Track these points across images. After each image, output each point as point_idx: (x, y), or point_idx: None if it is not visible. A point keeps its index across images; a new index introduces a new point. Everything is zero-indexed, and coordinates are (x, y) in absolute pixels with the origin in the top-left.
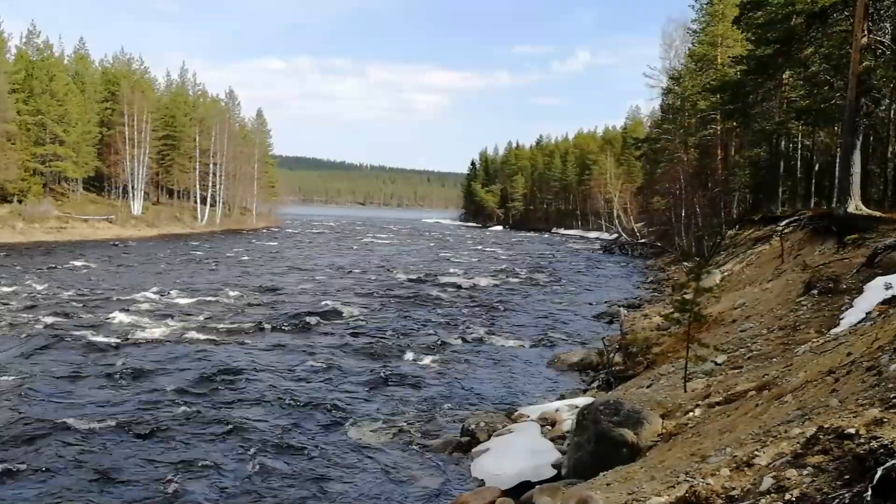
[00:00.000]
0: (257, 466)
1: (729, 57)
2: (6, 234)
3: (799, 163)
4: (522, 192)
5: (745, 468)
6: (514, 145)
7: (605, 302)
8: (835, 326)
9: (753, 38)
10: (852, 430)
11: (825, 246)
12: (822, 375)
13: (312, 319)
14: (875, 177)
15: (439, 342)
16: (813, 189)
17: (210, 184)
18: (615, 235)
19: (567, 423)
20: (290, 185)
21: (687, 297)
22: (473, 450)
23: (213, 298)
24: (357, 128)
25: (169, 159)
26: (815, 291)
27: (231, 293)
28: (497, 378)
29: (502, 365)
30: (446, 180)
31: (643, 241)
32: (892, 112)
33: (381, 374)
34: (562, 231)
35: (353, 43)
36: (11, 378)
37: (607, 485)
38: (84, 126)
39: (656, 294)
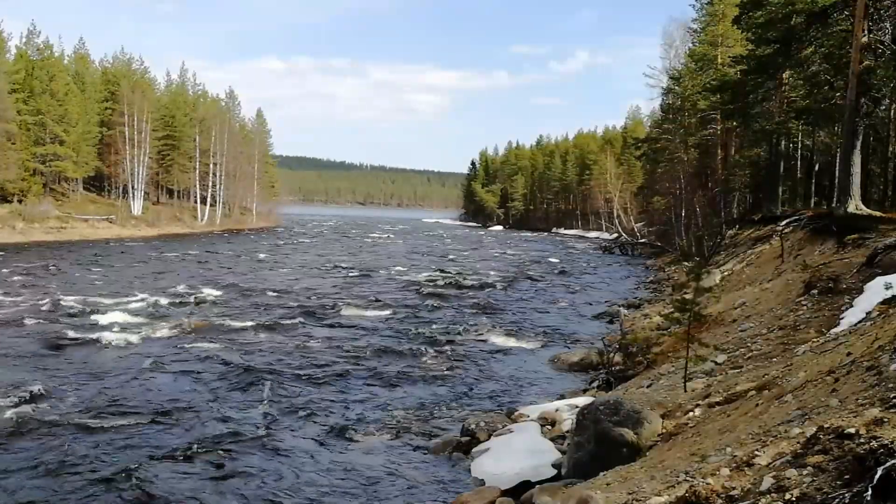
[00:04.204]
0: (256, 467)
1: (729, 57)
2: (6, 234)
3: (799, 163)
4: (522, 192)
5: (745, 468)
6: (514, 145)
7: (605, 302)
8: (835, 326)
9: (753, 37)
10: (852, 430)
11: (825, 246)
12: (822, 375)
13: (311, 319)
14: (875, 177)
15: (439, 342)
16: (813, 189)
17: (210, 184)
18: (615, 235)
19: (567, 422)
20: (290, 185)
21: (687, 296)
22: (473, 450)
23: (212, 298)
24: (357, 128)
25: (169, 159)
26: (815, 291)
27: (229, 292)
28: (497, 378)
29: (502, 365)
30: (446, 180)
31: (643, 240)
32: (892, 112)
33: (381, 374)
34: (562, 231)
35: (353, 43)
36: (9, 378)
37: (607, 484)
38: (84, 126)
39: (656, 294)
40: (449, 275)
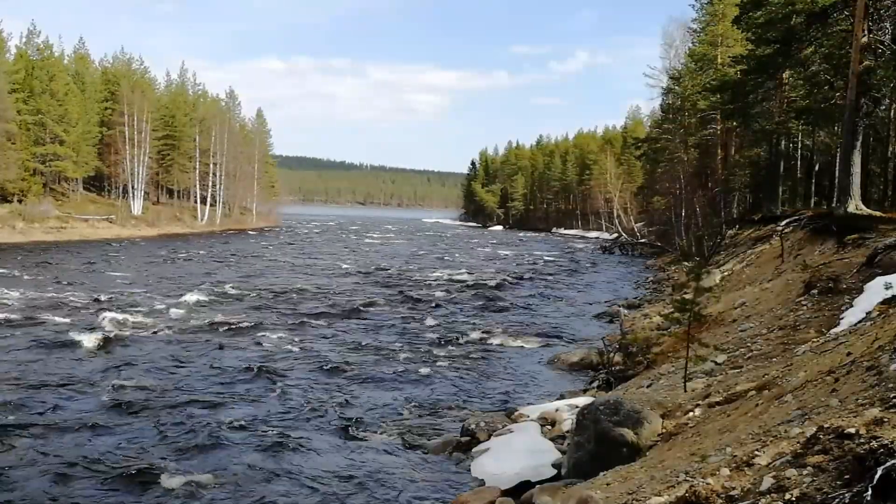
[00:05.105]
0: (255, 467)
1: (729, 57)
2: (6, 234)
3: (799, 163)
4: (522, 192)
5: (745, 468)
6: (514, 145)
7: (605, 302)
8: (835, 326)
9: (753, 37)
10: (852, 430)
11: (825, 246)
12: (822, 375)
13: (311, 319)
14: (875, 177)
15: (439, 342)
16: (813, 189)
17: (210, 184)
18: (615, 235)
19: (567, 422)
20: (290, 185)
21: (687, 296)
22: (473, 450)
23: (211, 298)
24: (357, 128)
25: (169, 159)
26: (815, 291)
27: (229, 293)
28: (497, 378)
29: (502, 365)
30: (446, 180)
31: (643, 240)
32: (892, 112)
33: (381, 374)
34: (562, 231)
35: (353, 43)
36: (7, 378)
37: (607, 484)
38: (84, 126)
39: (656, 294)
40: (449, 275)
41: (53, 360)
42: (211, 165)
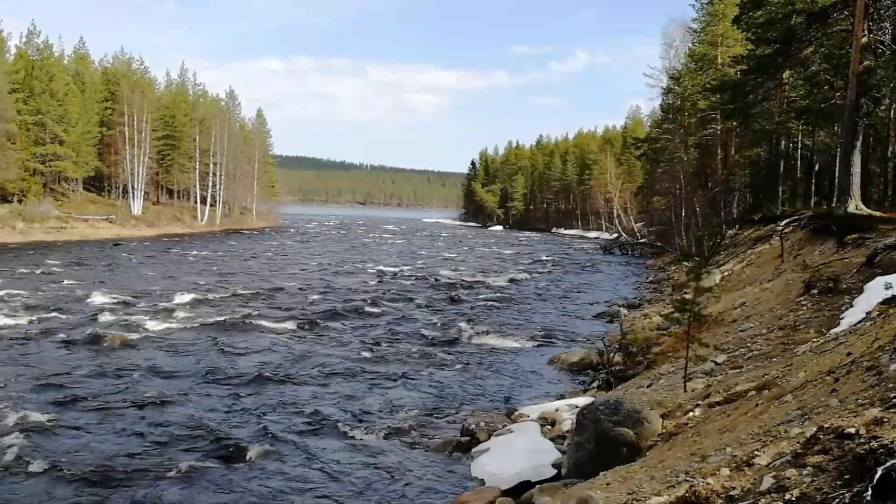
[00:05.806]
0: (255, 467)
1: (729, 57)
2: (6, 234)
3: (799, 163)
4: (522, 192)
5: (745, 468)
6: (514, 145)
7: (605, 302)
8: (835, 326)
9: (753, 37)
10: (852, 430)
11: (825, 246)
12: (822, 375)
13: (312, 319)
14: (875, 177)
15: (439, 342)
16: (813, 189)
17: (210, 184)
18: (615, 235)
19: (567, 422)
20: (290, 185)
21: (687, 296)
22: (473, 449)
23: (211, 298)
24: (357, 128)
25: (169, 159)
26: (815, 291)
27: (229, 293)
28: (497, 378)
29: (502, 365)
30: (446, 180)
31: (643, 240)
32: (892, 112)
33: (380, 374)
34: (562, 231)
35: (353, 43)
36: (11, 378)
37: (607, 484)
38: (84, 126)
39: (656, 294)
40: (449, 275)
41: (60, 358)
42: (211, 165)
